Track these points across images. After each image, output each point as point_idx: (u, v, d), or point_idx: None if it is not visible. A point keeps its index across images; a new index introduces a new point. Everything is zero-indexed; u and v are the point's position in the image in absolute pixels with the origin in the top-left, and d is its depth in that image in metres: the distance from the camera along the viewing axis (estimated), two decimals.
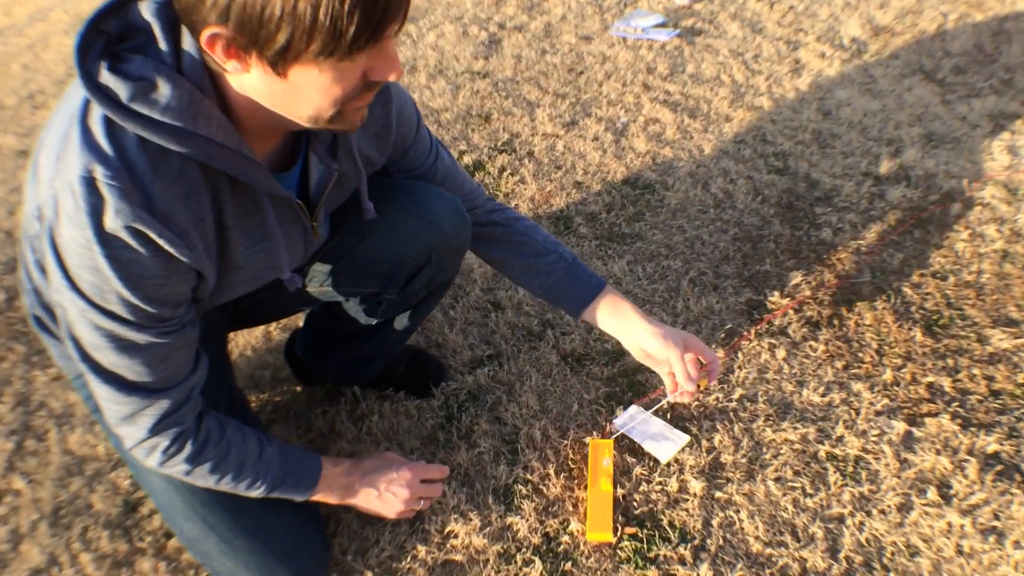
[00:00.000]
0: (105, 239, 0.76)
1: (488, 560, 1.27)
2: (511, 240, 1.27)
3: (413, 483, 1.27)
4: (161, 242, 0.79)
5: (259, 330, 1.73)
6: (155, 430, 0.93)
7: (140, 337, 0.85)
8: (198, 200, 0.82)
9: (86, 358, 0.87)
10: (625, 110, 2.40)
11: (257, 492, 1.06)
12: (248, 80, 0.76)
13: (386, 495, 1.23)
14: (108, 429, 1.09)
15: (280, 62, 0.72)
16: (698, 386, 1.23)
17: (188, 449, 0.97)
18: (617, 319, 1.25)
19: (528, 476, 1.39)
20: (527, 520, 1.32)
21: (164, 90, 0.73)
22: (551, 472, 1.39)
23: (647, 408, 1.47)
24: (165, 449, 0.95)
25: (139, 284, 0.81)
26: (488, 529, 1.31)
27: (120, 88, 0.72)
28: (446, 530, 1.31)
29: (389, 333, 1.39)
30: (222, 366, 1.26)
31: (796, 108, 2.33)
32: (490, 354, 1.63)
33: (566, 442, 1.44)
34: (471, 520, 1.32)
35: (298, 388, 1.59)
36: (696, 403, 1.49)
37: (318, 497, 1.17)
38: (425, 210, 1.17)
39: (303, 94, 0.76)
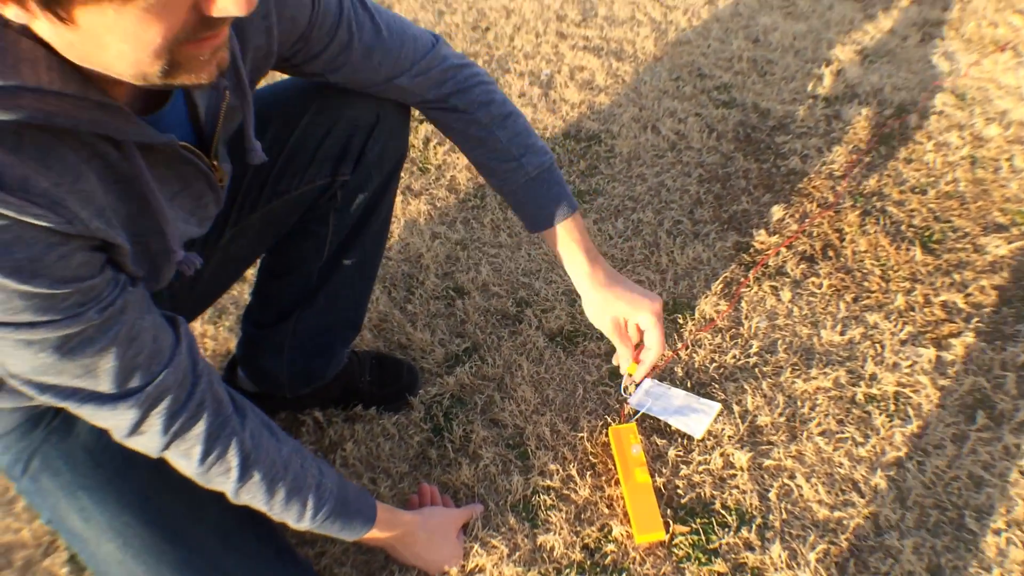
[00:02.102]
0: None
1: None
2: (467, 133, 0.98)
3: (459, 533, 1.10)
4: (29, 220, 0.53)
5: None
6: (170, 430, 0.69)
7: (81, 325, 0.59)
8: (56, 155, 0.56)
9: (43, 387, 0.62)
10: (546, 61, 2.19)
11: (310, 518, 0.83)
12: (41, 29, 0.50)
13: (448, 543, 1.07)
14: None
15: (54, 2, 0.46)
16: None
17: (234, 449, 0.73)
18: (565, 263, 1.01)
19: (548, 482, 1.18)
20: (560, 534, 1.11)
21: None
22: (573, 472, 1.18)
23: (660, 379, 1.30)
24: (202, 456, 0.72)
25: (38, 269, 0.55)
26: (517, 554, 1.09)
27: None
28: (469, 567, 1.08)
29: (343, 280, 1.13)
30: None
31: (723, 39, 2.20)
32: (466, 348, 1.39)
33: (581, 434, 1.24)
34: (495, 548, 1.10)
35: None
36: (714, 364, 1.32)
37: (372, 533, 0.93)
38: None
39: (107, 45, 0.50)
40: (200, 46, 0.52)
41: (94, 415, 0.65)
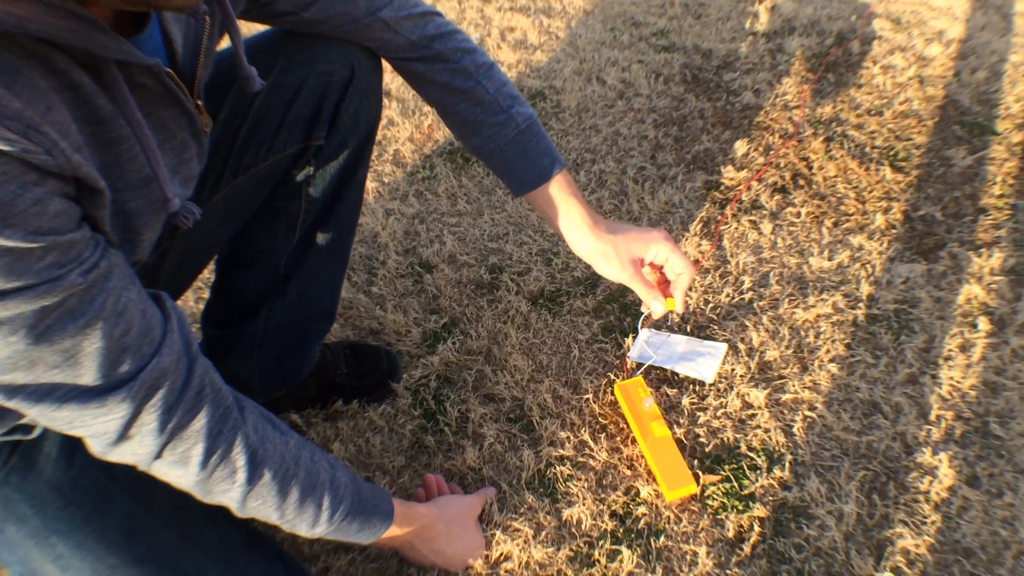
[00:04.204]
0: None
1: (561, 571, 0.95)
2: (451, 85, 0.86)
3: (476, 522, 1.00)
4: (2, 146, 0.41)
5: None
6: (167, 427, 0.56)
7: (62, 293, 0.47)
8: (25, 80, 0.44)
9: (11, 390, 0.49)
10: (473, 26, 2.08)
11: (326, 520, 0.70)
12: None
13: (468, 533, 0.96)
14: None
15: None
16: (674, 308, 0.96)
17: (240, 445, 0.60)
18: (559, 221, 0.92)
19: (561, 452, 1.08)
20: (584, 505, 1.02)
21: None
22: (586, 437, 1.09)
23: (658, 328, 1.22)
24: (204, 457, 0.58)
25: (9, 216, 0.43)
26: (543, 534, 0.99)
27: None
28: (493, 556, 0.97)
29: (315, 265, 1.00)
30: None
31: None
32: (445, 323, 1.28)
33: (585, 396, 1.15)
34: (518, 531, 1.00)
35: None
36: (709, 304, 1.26)
37: (391, 532, 0.81)
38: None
39: None
40: None
41: (76, 419, 0.52)
